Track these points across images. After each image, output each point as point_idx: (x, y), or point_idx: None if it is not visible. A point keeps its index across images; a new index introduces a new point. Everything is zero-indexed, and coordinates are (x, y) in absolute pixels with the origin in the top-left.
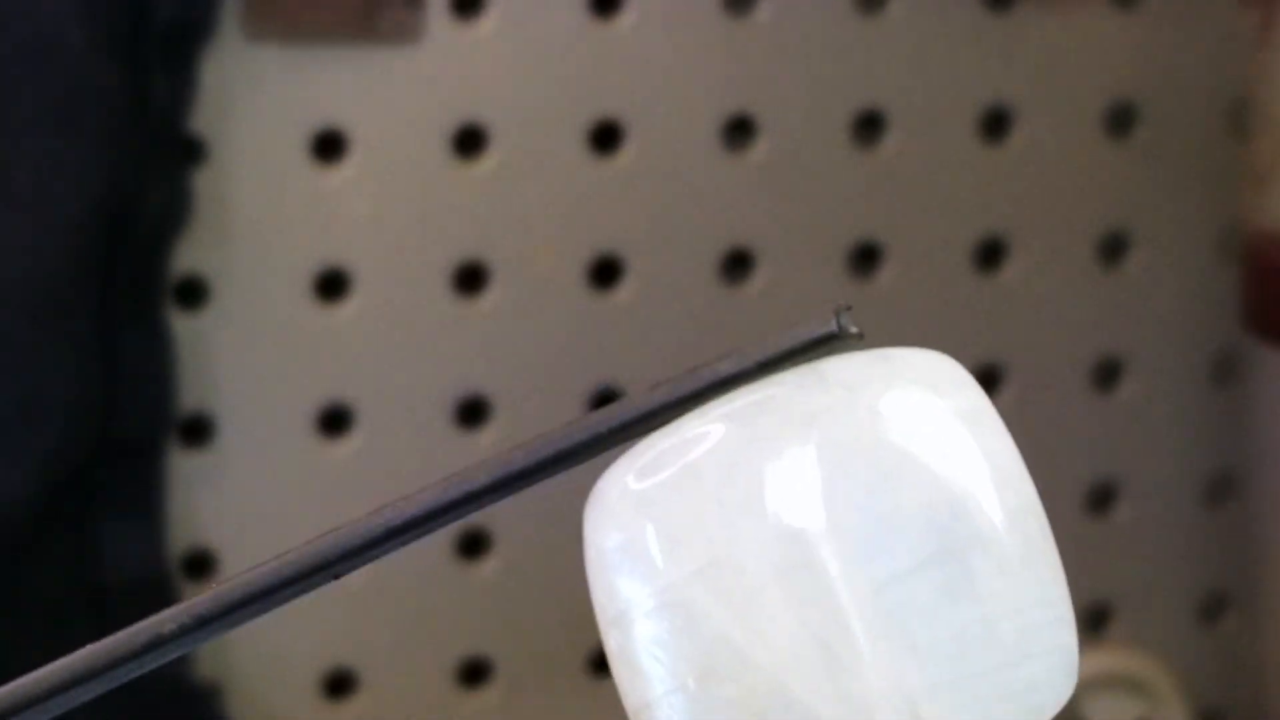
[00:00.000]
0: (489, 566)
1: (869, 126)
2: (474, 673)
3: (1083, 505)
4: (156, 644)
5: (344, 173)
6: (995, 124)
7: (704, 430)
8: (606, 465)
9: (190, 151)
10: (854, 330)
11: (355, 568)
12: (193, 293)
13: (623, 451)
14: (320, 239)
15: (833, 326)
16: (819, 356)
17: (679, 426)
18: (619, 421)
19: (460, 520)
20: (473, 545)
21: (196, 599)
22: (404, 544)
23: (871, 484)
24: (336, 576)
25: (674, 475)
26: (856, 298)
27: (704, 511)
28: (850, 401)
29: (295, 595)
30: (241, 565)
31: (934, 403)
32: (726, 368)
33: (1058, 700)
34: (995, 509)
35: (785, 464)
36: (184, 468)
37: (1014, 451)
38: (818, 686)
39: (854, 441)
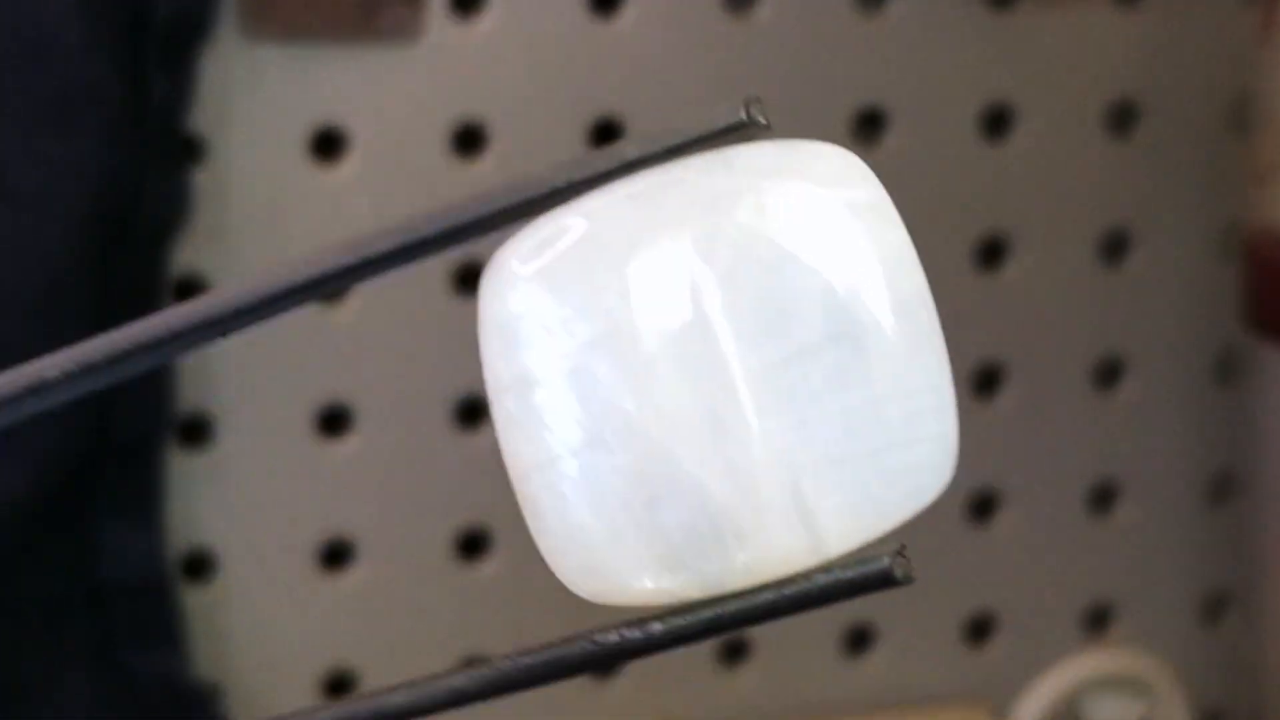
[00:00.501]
0: (489, 566)
1: (869, 125)
2: None
3: (1083, 504)
4: (39, 388)
5: (343, 171)
6: (996, 122)
7: (608, 206)
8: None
9: (189, 150)
10: (763, 120)
11: (246, 326)
12: (191, 291)
13: (523, 228)
14: (319, 237)
15: (742, 115)
16: (727, 144)
17: (583, 203)
18: (524, 197)
19: (357, 283)
20: (473, 545)
21: (84, 345)
22: (297, 305)
23: (769, 266)
24: (224, 335)
25: (575, 247)
26: None
27: (604, 284)
28: (754, 187)
29: (180, 351)
30: (241, 565)
31: (835, 193)
32: (633, 151)
33: (936, 486)
34: (888, 297)
35: (686, 243)
36: (183, 468)
37: (908, 244)
38: (706, 458)
39: (755, 225)
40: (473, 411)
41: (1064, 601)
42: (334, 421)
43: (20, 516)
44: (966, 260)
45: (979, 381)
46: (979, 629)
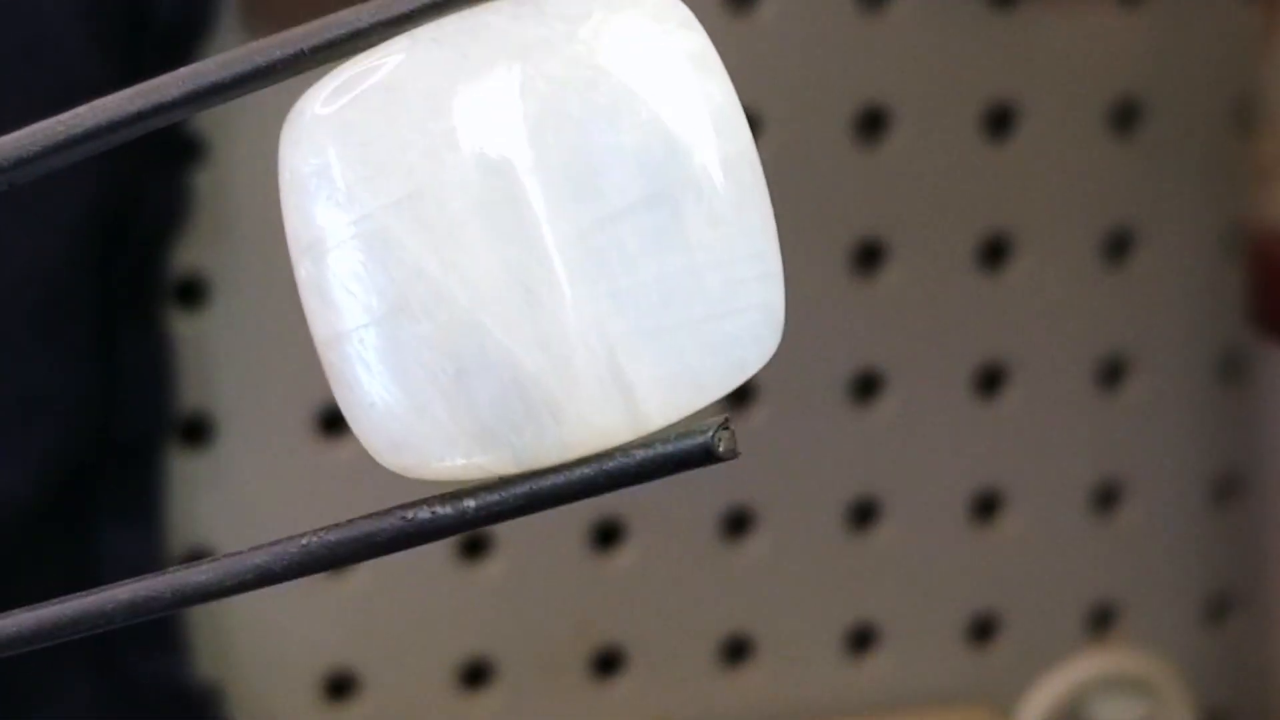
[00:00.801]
0: (491, 568)
1: (872, 124)
2: (476, 674)
3: (1088, 504)
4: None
5: None
6: (999, 121)
7: (412, 53)
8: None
9: (190, 150)
10: None
11: (45, 170)
12: (193, 292)
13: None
14: None
15: None
16: None
17: (386, 49)
18: (323, 39)
19: (148, 130)
20: (475, 546)
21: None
22: (82, 155)
23: (583, 121)
24: (12, 186)
25: (377, 100)
26: (860, 296)
27: (405, 140)
28: (567, 34)
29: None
30: None
31: (656, 42)
32: None
33: (760, 357)
34: (712, 155)
35: (493, 94)
36: (184, 468)
37: (734, 98)
38: (515, 327)
39: (567, 76)
40: None
41: (1068, 602)
42: (334, 423)
43: (21, 517)
44: (970, 260)
45: (983, 381)
46: (983, 629)
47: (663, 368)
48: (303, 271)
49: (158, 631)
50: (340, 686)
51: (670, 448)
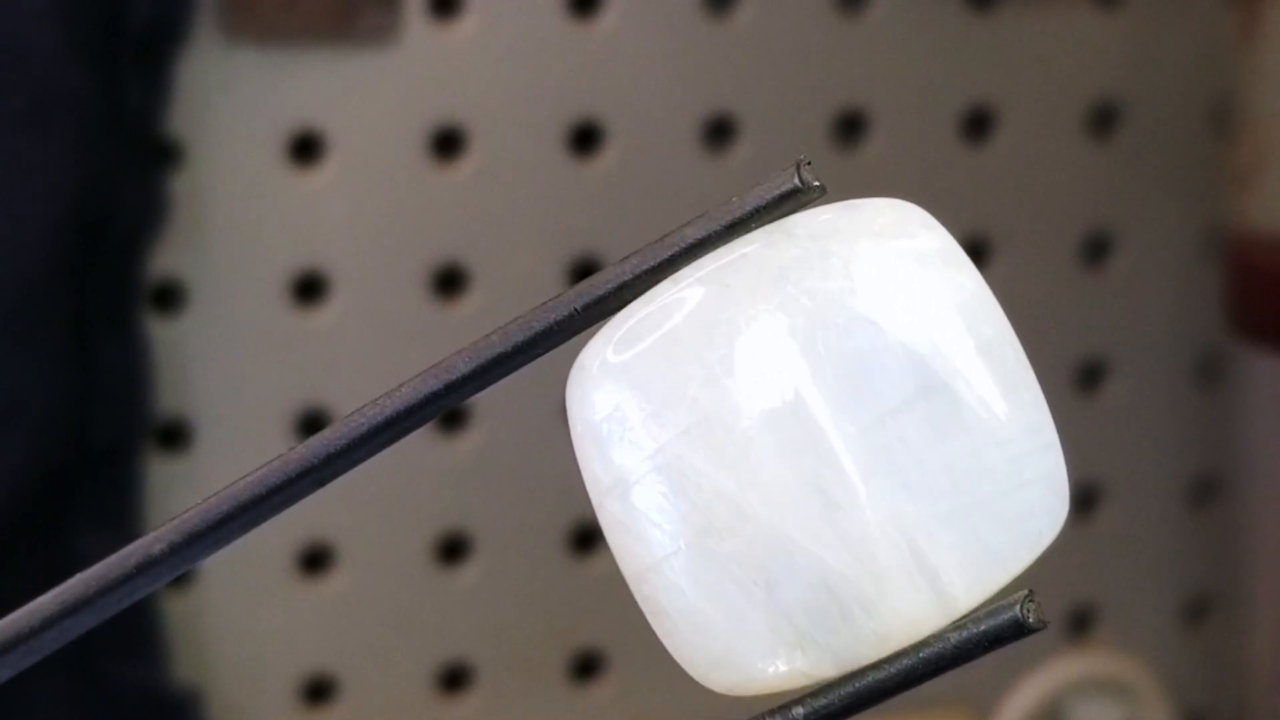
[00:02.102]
0: (469, 571)
1: (850, 127)
2: (455, 678)
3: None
4: (147, 565)
5: (322, 175)
6: (977, 124)
7: (679, 295)
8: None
9: (166, 154)
10: (816, 184)
11: (342, 471)
12: (169, 297)
13: (599, 329)
14: (298, 242)
15: (795, 181)
16: (784, 214)
17: (653, 295)
18: (593, 296)
19: (440, 413)
20: (452, 550)
21: (183, 516)
22: (390, 441)
23: (848, 329)
24: (322, 483)
25: (654, 342)
26: None
27: (687, 374)
28: (821, 251)
29: (284, 504)
30: (221, 572)
31: (902, 245)
32: (694, 232)
33: (1054, 526)
34: (971, 341)
35: (762, 320)
36: (161, 473)
37: (984, 286)
38: (816, 531)
39: (826, 290)
40: (454, 418)
41: (1046, 604)
42: (312, 427)
43: None
44: None
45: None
46: None
47: (963, 551)
48: (608, 513)
49: (136, 637)
50: (319, 690)
51: (983, 627)
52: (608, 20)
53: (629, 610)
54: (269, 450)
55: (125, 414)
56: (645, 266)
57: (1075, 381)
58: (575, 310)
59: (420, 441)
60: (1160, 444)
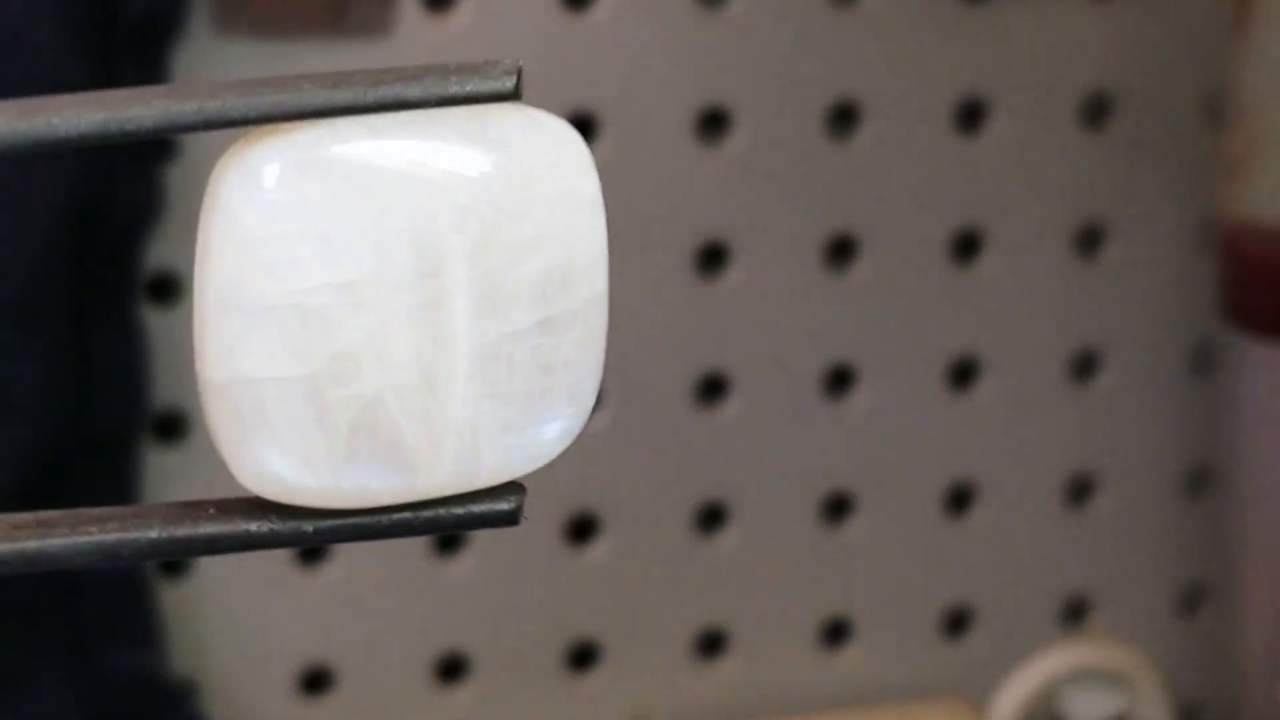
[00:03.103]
0: (465, 562)
1: (844, 118)
2: (451, 669)
3: (1061, 497)
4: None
5: None
6: (971, 115)
7: (374, 147)
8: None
9: (162, 146)
10: (518, 95)
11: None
12: (165, 288)
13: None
14: None
15: (512, 87)
16: (484, 103)
17: (351, 132)
18: (286, 106)
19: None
20: (449, 541)
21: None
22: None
23: (513, 247)
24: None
25: (341, 182)
26: (833, 290)
27: (360, 229)
28: (513, 165)
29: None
30: (217, 562)
31: (570, 182)
32: (410, 92)
33: (569, 438)
34: (586, 293)
35: (445, 209)
36: (158, 464)
37: (605, 238)
38: (409, 409)
39: (507, 206)
40: None
41: (1041, 594)
42: None
43: None
44: (942, 253)
45: (955, 374)
46: (956, 622)
47: (505, 455)
48: (224, 319)
49: (132, 626)
50: (315, 681)
51: (481, 507)
52: (601, 11)
53: (625, 601)
54: None
55: (122, 404)
56: (346, 101)
57: (1069, 371)
58: (261, 111)
59: None
60: (1154, 433)
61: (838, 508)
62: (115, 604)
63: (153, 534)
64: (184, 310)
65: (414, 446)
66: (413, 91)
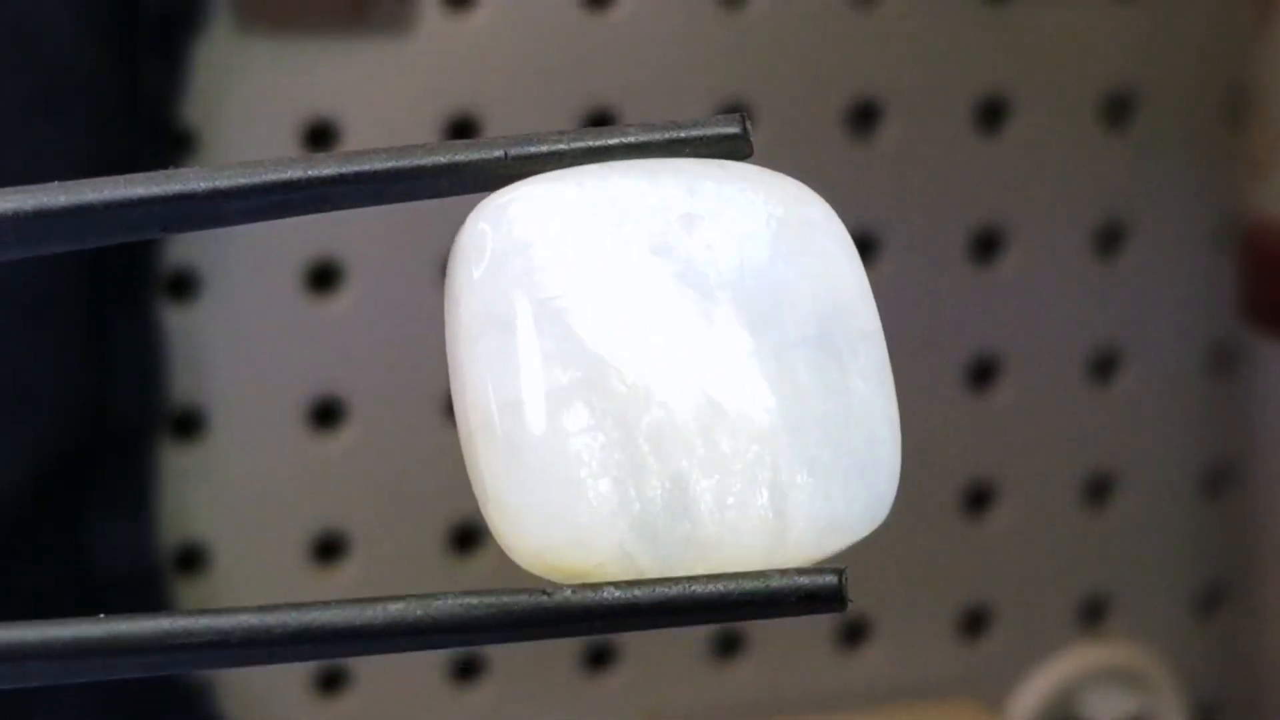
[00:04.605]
0: (482, 561)
1: (864, 117)
2: (468, 669)
3: (1079, 497)
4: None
5: None
6: (991, 114)
7: (627, 179)
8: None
9: (181, 142)
10: (751, 140)
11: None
12: (184, 285)
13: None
14: (312, 231)
15: (738, 129)
16: (713, 155)
17: (587, 169)
18: (526, 150)
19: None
20: (466, 539)
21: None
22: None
23: (769, 261)
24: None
25: (591, 202)
26: None
27: (621, 247)
28: (749, 200)
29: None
30: (233, 559)
31: (815, 215)
32: (637, 135)
33: (880, 517)
34: (860, 323)
35: (695, 220)
36: (175, 461)
37: (866, 282)
38: (691, 429)
39: (750, 226)
40: None
41: (1059, 594)
42: (327, 415)
43: (13, 509)
44: (962, 252)
45: (975, 374)
46: (974, 622)
47: (813, 501)
48: (484, 342)
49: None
50: (332, 679)
51: (802, 581)
52: (622, 9)
53: None
54: (283, 438)
55: (140, 401)
56: (581, 144)
57: (1088, 370)
58: (505, 154)
59: (434, 428)
60: (1174, 433)
61: None
62: (131, 600)
63: (451, 600)
64: (201, 307)
65: (704, 479)
66: (643, 136)
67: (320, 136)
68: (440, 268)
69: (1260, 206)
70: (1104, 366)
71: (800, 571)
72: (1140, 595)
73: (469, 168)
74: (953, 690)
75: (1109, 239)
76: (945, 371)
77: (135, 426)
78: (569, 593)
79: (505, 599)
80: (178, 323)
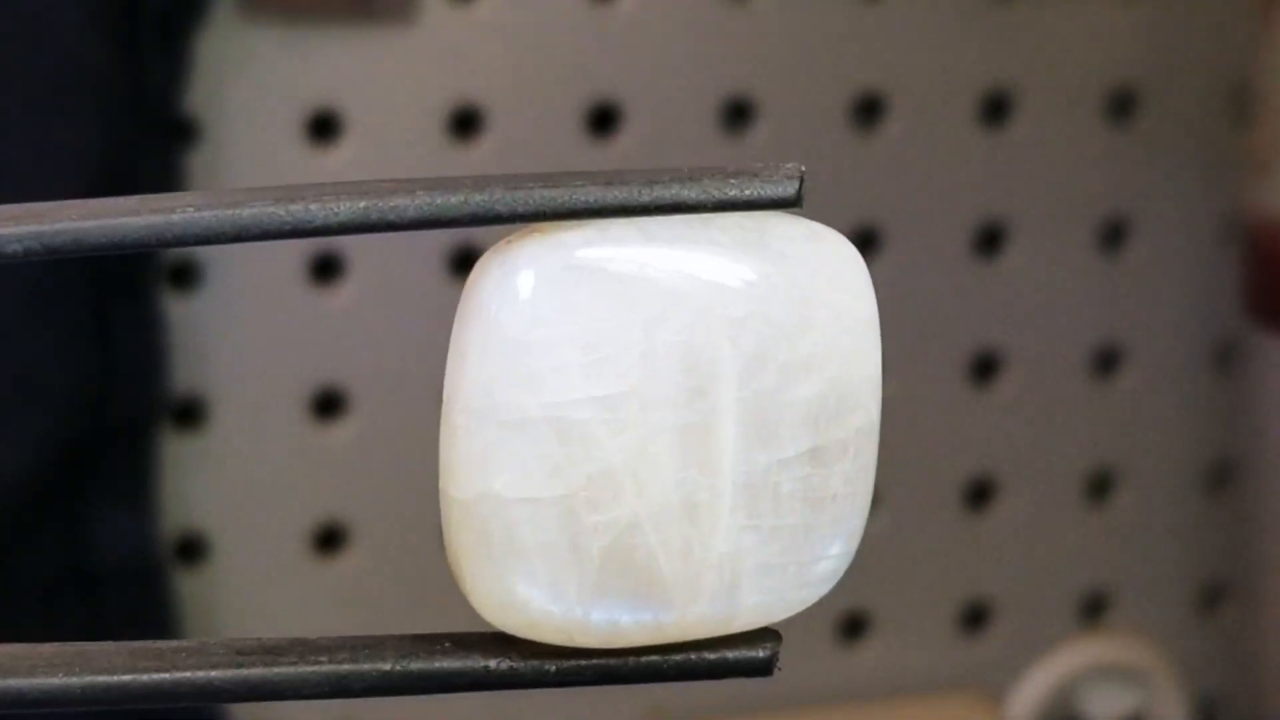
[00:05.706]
0: None
1: (869, 111)
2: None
3: (1081, 492)
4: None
5: (339, 154)
6: (995, 109)
7: (647, 253)
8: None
9: (185, 131)
10: (801, 198)
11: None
12: (186, 275)
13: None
14: None
15: (794, 193)
16: (765, 209)
17: (621, 235)
18: (557, 202)
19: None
20: None
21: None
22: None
23: (786, 367)
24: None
25: (610, 289)
26: None
27: (627, 341)
28: (790, 277)
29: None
30: (234, 549)
31: (844, 302)
32: (687, 195)
33: (827, 590)
34: (860, 420)
35: (719, 322)
36: (177, 451)
37: (880, 365)
38: (667, 540)
39: (784, 321)
40: None
41: (1060, 589)
42: (328, 405)
43: (14, 499)
44: (965, 247)
45: (977, 369)
46: (975, 617)
47: (768, 596)
48: (479, 430)
49: (148, 612)
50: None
51: (733, 655)
52: (626, 3)
53: None
54: (284, 429)
55: (142, 392)
56: (619, 201)
57: (1091, 366)
58: (540, 209)
59: (436, 419)
60: (1175, 429)
61: None
62: (132, 590)
63: (385, 666)
64: (203, 297)
65: (670, 581)
66: (690, 194)
67: (323, 126)
68: (442, 259)
69: (1263, 204)
70: (1106, 362)
71: (732, 645)
72: (1141, 591)
73: (496, 207)
74: (953, 685)
75: (1112, 235)
76: (947, 366)
77: (137, 416)
78: (506, 666)
79: (451, 665)
80: (180, 313)
